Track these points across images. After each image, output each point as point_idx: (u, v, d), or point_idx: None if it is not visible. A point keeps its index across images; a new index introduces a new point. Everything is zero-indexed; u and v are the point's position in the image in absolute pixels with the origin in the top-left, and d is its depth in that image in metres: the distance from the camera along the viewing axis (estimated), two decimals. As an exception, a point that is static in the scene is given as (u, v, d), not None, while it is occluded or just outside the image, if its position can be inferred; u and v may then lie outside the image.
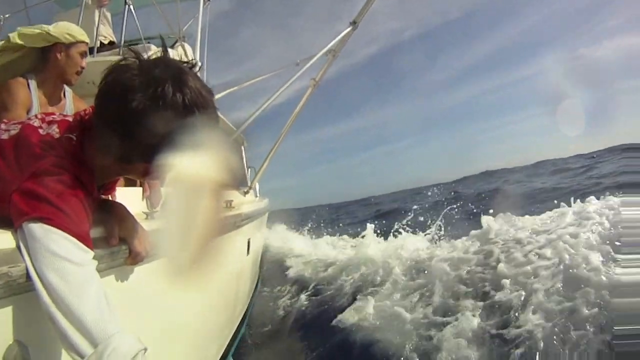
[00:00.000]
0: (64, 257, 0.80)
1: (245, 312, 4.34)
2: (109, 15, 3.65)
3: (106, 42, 3.39)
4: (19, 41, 1.95)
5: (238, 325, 3.82)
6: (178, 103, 0.90)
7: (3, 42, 1.98)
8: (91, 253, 0.87)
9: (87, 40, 2.13)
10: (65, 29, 2.04)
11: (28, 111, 1.93)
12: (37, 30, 1.97)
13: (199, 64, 4.10)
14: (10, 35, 1.96)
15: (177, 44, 4.10)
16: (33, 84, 1.98)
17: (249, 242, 4.00)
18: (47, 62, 2.02)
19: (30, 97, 1.95)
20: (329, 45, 4.03)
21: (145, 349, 0.81)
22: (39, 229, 0.81)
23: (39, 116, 1.02)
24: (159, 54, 0.97)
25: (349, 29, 4.06)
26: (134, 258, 1.20)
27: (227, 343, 3.32)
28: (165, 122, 0.89)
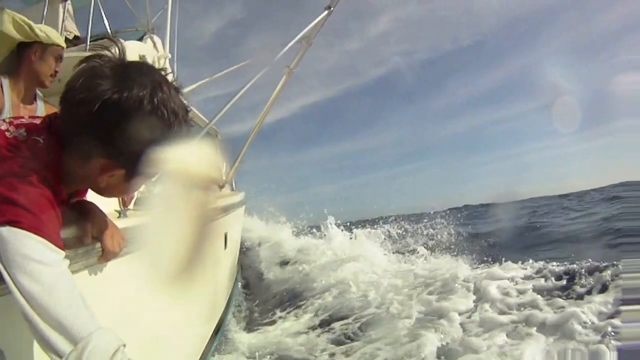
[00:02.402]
0: (35, 259, 0.82)
1: (226, 308, 4.45)
2: (71, 8, 3.62)
3: (71, 37, 3.38)
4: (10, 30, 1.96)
5: (218, 323, 3.91)
6: (146, 104, 0.94)
7: None
8: (62, 253, 0.90)
9: (63, 45, 2.18)
10: (42, 29, 2.08)
11: (0, 112, 1.97)
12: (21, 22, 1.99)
13: (169, 56, 4.10)
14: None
15: (146, 36, 4.09)
16: (6, 84, 2.00)
17: (226, 236, 4.10)
18: (20, 62, 2.05)
19: (2, 97, 1.97)
20: (304, 32, 4.10)
21: (124, 345, 0.84)
22: (8, 233, 0.83)
23: (7, 120, 1.04)
24: (125, 53, 1.00)
25: (324, 14, 4.12)
26: (107, 255, 1.28)
27: (207, 340, 3.40)
28: (132, 122, 0.92)
